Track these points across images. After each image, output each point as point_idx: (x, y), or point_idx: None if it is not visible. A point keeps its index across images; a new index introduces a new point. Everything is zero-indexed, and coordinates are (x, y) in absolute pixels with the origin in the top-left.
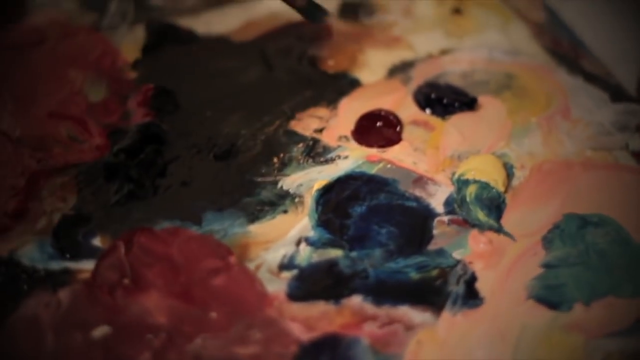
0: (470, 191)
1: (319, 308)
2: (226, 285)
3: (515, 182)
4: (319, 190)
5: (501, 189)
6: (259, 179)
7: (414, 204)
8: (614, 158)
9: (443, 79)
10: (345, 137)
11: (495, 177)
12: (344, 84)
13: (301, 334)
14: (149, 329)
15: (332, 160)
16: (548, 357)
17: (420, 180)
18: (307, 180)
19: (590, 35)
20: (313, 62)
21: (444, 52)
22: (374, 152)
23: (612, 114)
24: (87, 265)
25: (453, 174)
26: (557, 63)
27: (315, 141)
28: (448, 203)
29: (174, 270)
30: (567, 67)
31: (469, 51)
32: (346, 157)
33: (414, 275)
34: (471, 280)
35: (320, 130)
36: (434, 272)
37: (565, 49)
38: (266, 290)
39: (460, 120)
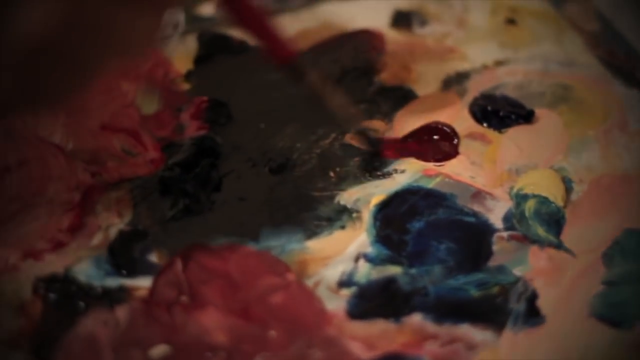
0: (529, 206)
1: (379, 326)
2: (285, 302)
3: (573, 196)
4: (376, 205)
5: (560, 203)
6: (316, 194)
7: (472, 219)
8: None
9: (499, 91)
10: None
11: (554, 192)
12: (398, 97)
13: (362, 352)
14: (208, 347)
15: (389, 174)
16: None
17: (478, 195)
18: (365, 194)
19: None
20: (367, 74)
21: (499, 63)
22: (431, 165)
23: None
24: (143, 282)
25: (511, 188)
26: (612, 74)
27: (372, 154)
28: (507, 218)
29: (232, 287)
30: (623, 79)
31: (524, 62)
32: (403, 171)
33: (474, 292)
34: (532, 297)
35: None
36: (495, 290)
37: (620, 60)
38: (325, 307)
39: (517, 134)
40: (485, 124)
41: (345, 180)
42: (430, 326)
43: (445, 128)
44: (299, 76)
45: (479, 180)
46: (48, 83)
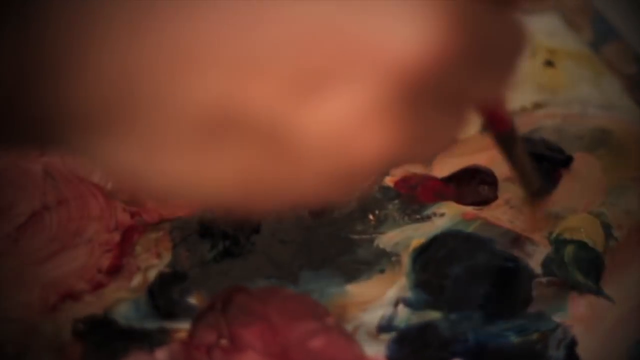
0: (569, 251)
1: None
2: (324, 347)
3: (612, 242)
4: (416, 249)
5: (599, 249)
6: (355, 237)
7: (511, 265)
8: None
9: (537, 134)
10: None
11: (593, 237)
12: None
13: None
14: None
15: (428, 217)
16: None
17: (517, 240)
18: (404, 238)
19: None
20: None
21: (538, 106)
22: (469, 209)
23: None
24: (183, 325)
25: (550, 233)
26: None
27: (411, 198)
28: (546, 264)
29: (271, 330)
30: None
31: (562, 105)
32: (442, 215)
33: (514, 338)
34: (571, 344)
35: (415, 187)
36: (534, 336)
37: None
38: (365, 353)
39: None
40: None
41: (384, 224)
42: None
43: (484, 171)
44: (511, 146)
45: (518, 224)
46: None
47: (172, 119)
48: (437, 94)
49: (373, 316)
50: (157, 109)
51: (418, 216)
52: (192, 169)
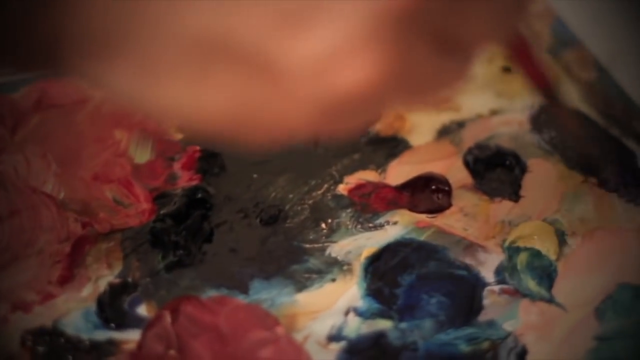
0: (522, 259)
1: None
2: (274, 357)
3: (566, 249)
4: (368, 257)
5: (553, 257)
6: (307, 246)
7: (464, 273)
8: None
9: (493, 141)
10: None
11: (546, 245)
12: (392, 147)
13: None
14: None
15: (381, 226)
16: None
17: (470, 248)
18: (356, 247)
19: None
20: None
21: (494, 112)
22: (423, 217)
23: None
24: (132, 336)
25: (504, 241)
26: (609, 124)
27: (364, 206)
28: (498, 271)
29: (221, 341)
30: (620, 129)
31: (519, 112)
32: (395, 223)
33: (464, 347)
34: (522, 353)
35: (369, 195)
36: (485, 345)
37: (617, 110)
38: None
39: None
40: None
41: (336, 232)
42: None
43: (438, 179)
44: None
45: (472, 232)
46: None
47: (167, 44)
48: (428, 28)
49: (323, 325)
50: (153, 34)
51: (371, 225)
52: (186, 94)
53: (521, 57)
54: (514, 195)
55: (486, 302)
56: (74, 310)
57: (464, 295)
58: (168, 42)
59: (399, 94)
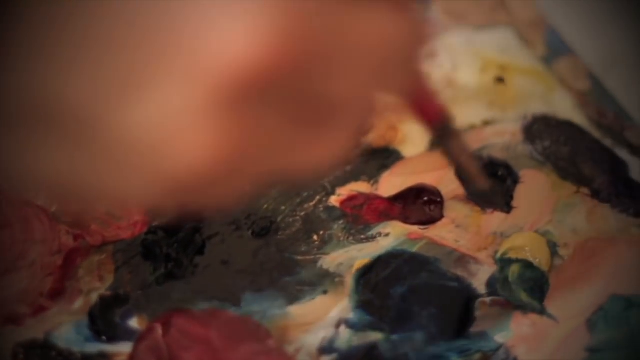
0: (513, 271)
1: None
2: None
3: (558, 261)
4: (359, 269)
5: (544, 268)
6: (299, 258)
7: (455, 284)
8: None
9: (486, 152)
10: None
11: (538, 256)
12: (384, 158)
13: None
14: None
15: (373, 237)
16: None
17: (462, 259)
18: (348, 258)
19: (636, 106)
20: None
21: (487, 123)
22: (415, 229)
23: None
24: (124, 348)
25: (495, 252)
26: (602, 134)
27: (356, 218)
28: (490, 283)
29: (212, 353)
30: (612, 139)
31: (512, 122)
32: (387, 235)
33: (456, 359)
34: None
35: (361, 207)
36: (476, 357)
37: (610, 120)
38: None
39: None
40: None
41: (328, 244)
42: None
43: (430, 190)
44: (447, 139)
45: (464, 244)
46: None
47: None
48: (288, 102)
49: (315, 338)
50: None
51: (363, 236)
52: (24, 157)
53: (416, 106)
54: (506, 206)
55: (478, 313)
56: (65, 323)
57: (456, 307)
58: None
59: (256, 168)
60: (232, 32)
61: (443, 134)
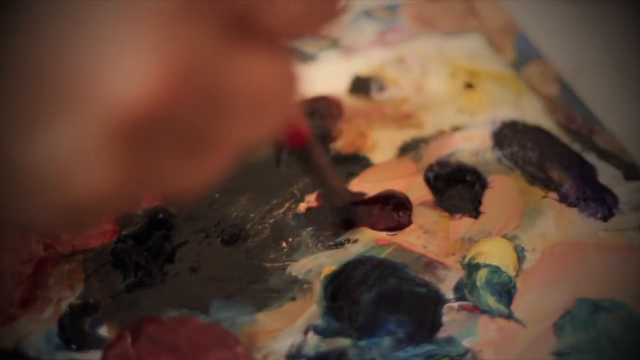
0: (481, 276)
1: None
2: None
3: (526, 265)
4: (327, 276)
5: (512, 273)
6: (268, 265)
7: (423, 290)
8: (628, 239)
9: (454, 157)
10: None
11: (505, 261)
12: (353, 164)
13: None
14: None
15: (342, 244)
16: None
17: (430, 265)
18: (316, 265)
19: (604, 111)
20: (323, 142)
21: (456, 128)
22: (383, 235)
23: (625, 193)
24: (93, 356)
25: (464, 257)
26: (570, 139)
27: (325, 224)
28: (458, 288)
29: None
30: (581, 144)
31: (481, 127)
32: (356, 241)
33: None
34: None
35: None
36: None
37: (578, 125)
38: None
39: None
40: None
41: (297, 251)
42: None
43: (399, 196)
44: (308, 158)
45: (432, 249)
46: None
47: None
48: (174, 135)
49: (283, 344)
50: None
51: (331, 243)
52: None
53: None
54: (475, 211)
55: (445, 318)
56: (35, 332)
57: (423, 313)
58: None
59: (145, 193)
60: (127, 72)
61: (305, 155)
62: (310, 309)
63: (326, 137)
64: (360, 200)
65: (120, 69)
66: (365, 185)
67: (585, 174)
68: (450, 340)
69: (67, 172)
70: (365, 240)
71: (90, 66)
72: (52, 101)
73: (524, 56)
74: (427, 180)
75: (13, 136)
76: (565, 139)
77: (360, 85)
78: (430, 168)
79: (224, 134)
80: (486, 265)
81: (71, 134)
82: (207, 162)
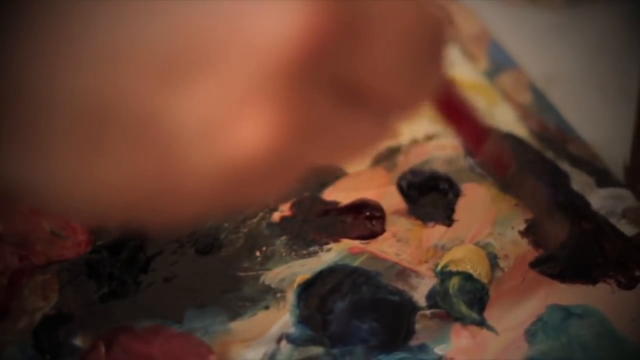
0: (454, 283)
1: None
2: None
3: (498, 272)
4: (301, 284)
5: (484, 280)
6: (242, 274)
7: (396, 298)
8: None
9: (428, 166)
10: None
11: (478, 268)
12: (327, 173)
13: None
14: None
15: (315, 253)
16: None
17: (403, 273)
18: (289, 274)
19: (576, 118)
20: None
21: (430, 137)
22: (357, 244)
23: (598, 200)
24: None
25: (436, 265)
26: (543, 147)
27: (299, 233)
28: (431, 296)
29: None
30: (554, 151)
31: (454, 136)
32: (329, 250)
33: None
34: None
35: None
36: None
37: (551, 133)
38: None
39: None
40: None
41: (270, 260)
42: None
43: (372, 205)
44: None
45: (405, 257)
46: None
47: (49, 116)
48: (329, 80)
49: (256, 353)
50: (35, 108)
51: (305, 252)
52: (80, 169)
53: (452, 114)
54: (447, 219)
55: (418, 326)
56: (9, 343)
57: (396, 320)
58: (51, 114)
59: (310, 154)
60: (279, 13)
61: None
62: (283, 318)
63: None
64: (334, 209)
65: (269, 9)
66: (339, 194)
67: (558, 181)
68: (423, 348)
69: (220, 131)
70: (339, 249)
71: (238, 11)
72: (200, 52)
73: (497, 65)
74: (400, 189)
75: (162, 95)
76: (538, 146)
77: None
78: (403, 176)
79: (381, 83)
80: (459, 273)
81: (225, 85)
82: (371, 117)
